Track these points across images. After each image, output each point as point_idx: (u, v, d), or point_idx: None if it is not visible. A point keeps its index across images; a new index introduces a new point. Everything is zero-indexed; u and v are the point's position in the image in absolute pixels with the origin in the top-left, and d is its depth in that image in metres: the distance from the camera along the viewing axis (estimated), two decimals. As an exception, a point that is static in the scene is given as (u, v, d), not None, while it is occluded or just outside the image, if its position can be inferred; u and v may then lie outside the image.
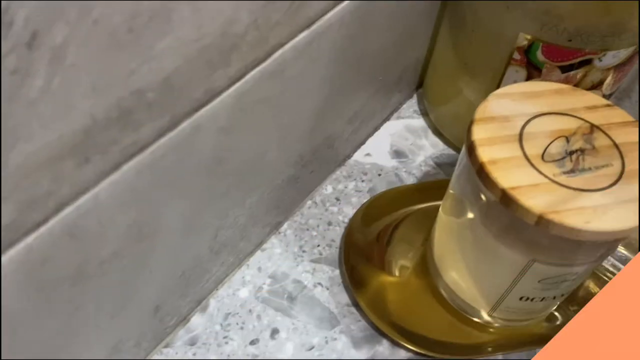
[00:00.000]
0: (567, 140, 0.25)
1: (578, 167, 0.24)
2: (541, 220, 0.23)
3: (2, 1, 0.13)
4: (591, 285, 0.34)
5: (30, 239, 0.18)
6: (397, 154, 0.39)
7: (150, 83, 0.18)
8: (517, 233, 0.25)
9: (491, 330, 0.32)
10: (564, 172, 0.24)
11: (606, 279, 0.34)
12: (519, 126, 0.26)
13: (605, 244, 0.25)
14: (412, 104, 0.42)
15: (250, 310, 0.30)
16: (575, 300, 0.34)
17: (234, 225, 0.29)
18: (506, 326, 0.31)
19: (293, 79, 0.25)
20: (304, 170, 0.33)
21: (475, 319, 0.31)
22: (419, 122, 0.40)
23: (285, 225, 0.34)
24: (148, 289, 0.25)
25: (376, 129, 0.40)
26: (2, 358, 0.23)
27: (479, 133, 0.25)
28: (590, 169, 0.24)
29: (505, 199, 0.24)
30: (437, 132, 0.40)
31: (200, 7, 0.18)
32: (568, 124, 0.26)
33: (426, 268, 0.33)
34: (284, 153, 0.29)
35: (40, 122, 0.16)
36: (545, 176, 0.24)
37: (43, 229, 0.18)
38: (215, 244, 0.28)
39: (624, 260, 0.33)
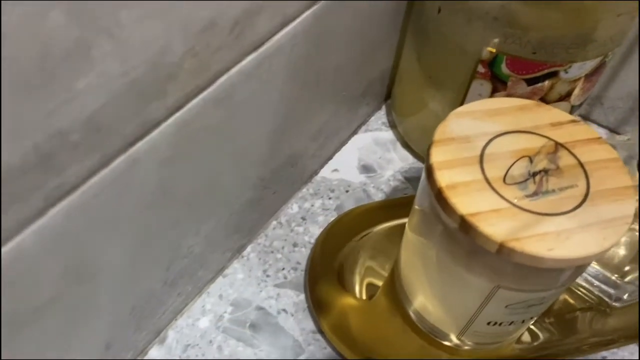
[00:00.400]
0: (531, 160, 0.24)
1: (541, 190, 0.23)
2: (502, 249, 0.22)
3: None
4: (567, 297, 0.33)
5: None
6: (365, 168, 0.37)
7: (72, 123, 0.17)
8: (480, 259, 0.24)
9: (462, 353, 0.31)
10: (527, 196, 0.23)
11: (579, 293, 0.33)
12: (479, 147, 0.25)
13: (574, 268, 0.24)
14: (381, 116, 0.41)
15: (210, 341, 0.29)
16: (551, 313, 0.33)
17: (188, 255, 0.27)
18: (477, 349, 0.30)
19: (243, 103, 0.24)
20: (266, 192, 0.31)
21: (446, 343, 0.30)
22: (388, 134, 0.39)
23: (248, 249, 0.33)
24: (96, 327, 0.24)
25: (343, 143, 0.38)
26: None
27: (437, 155, 0.24)
28: (554, 190, 0.24)
29: (465, 226, 0.22)
30: (406, 145, 0.38)
31: (124, 40, 0.17)
32: (531, 142, 0.25)
33: (395, 290, 0.32)
34: (240, 177, 0.28)
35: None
36: (507, 200, 0.23)
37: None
38: (168, 275, 0.27)
39: (598, 277, 0.32)
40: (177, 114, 0.21)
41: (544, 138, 0.25)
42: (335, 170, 0.37)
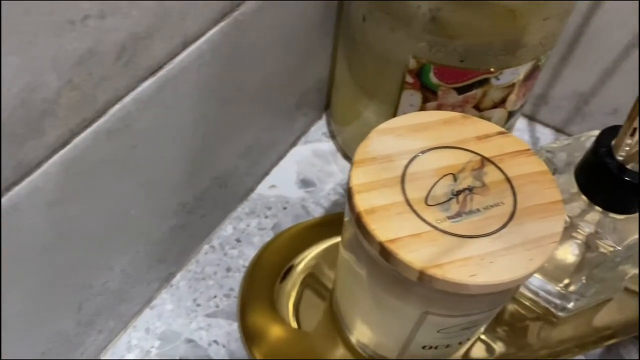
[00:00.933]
0: (455, 178, 0.23)
1: (465, 210, 0.22)
2: (423, 276, 0.21)
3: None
4: (516, 307, 0.33)
5: None
6: (305, 183, 0.36)
7: None
8: (405, 286, 0.23)
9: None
10: (449, 217, 0.22)
11: (527, 304, 0.32)
12: (402, 166, 0.23)
13: (502, 292, 0.22)
14: (321, 126, 0.39)
15: (136, 380, 0.28)
16: (503, 322, 0.32)
17: (103, 292, 0.26)
18: (420, 370, 0.29)
19: (146, 131, 0.23)
20: (192, 217, 0.30)
21: (387, 366, 0.29)
22: (328, 145, 0.38)
23: (177, 277, 0.31)
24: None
25: (281, 156, 0.37)
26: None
27: (357, 178, 0.23)
28: (478, 210, 0.22)
29: (385, 253, 0.21)
30: (346, 156, 0.37)
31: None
32: (457, 158, 0.24)
33: (334, 313, 0.31)
34: (155, 207, 0.26)
35: None
36: (428, 223, 0.22)
37: None
38: (81, 315, 0.25)
39: (543, 288, 0.31)
40: (62, 152, 0.19)
41: (470, 153, 0.24)
42: (273, 186, 0.36)
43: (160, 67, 0.22)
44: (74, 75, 0.18)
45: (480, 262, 0.21)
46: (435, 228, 0.22)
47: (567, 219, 0.28)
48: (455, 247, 0.21)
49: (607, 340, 0.31)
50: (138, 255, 0.27)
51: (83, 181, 0.21)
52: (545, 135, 0.40)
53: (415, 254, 0.21)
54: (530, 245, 0.21)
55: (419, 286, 0.22)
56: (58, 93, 0.18)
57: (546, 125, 0.40)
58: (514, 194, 0.23)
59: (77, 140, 0.20)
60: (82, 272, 0.24)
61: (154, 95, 0.22)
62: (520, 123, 0.40)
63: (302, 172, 0.36)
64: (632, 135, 0.25)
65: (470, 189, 0.23)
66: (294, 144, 0.38)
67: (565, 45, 0.36)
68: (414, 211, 0.22)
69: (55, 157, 0.19)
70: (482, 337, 0.31)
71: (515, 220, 0.22)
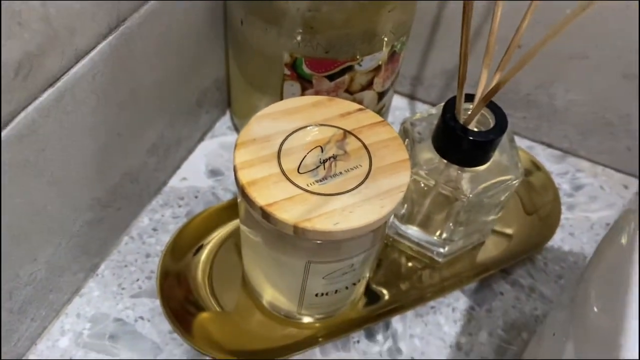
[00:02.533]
0: (322, 149, 0.28)
1: (330, 174, 0.27)
2: (297, 229, 0.25)
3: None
4: (403, 259, 0.38)
5: None
6: (213, 172, 0.40)
7: None
8: (286, 242, 0.27)
9: (315, 325, 0.34)
10: (317, 181, 0.27)
11: (413, 254, 0.38)
12: (277, 144, 0.28)
13: (362, 236, 0.27)
14: (226, 121, 0.43)
15: (71, 359, 0.31)
16: (397, 272, 0.37)
17: (32, 282, 0.29)
18: (323, 319, 0.34)
19: (51, 135, 0.26)
20: (108, 210, 0.33)
21: (296, 321, 0.34)
22: (233, 137, 0.42)
23: (102, 266, 0.35)
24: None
25: (191, 151, 0.41)
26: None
27: (240, 157, 0.27)
28: (341, 173, 0.27)
29: (265, 215, 0.26)
30: (250, 145, 0.41)
31: None
32: (323, 134, 0.28)
33: (244, 281, 0.35)
34: (68, 203, 0.29)
35: None
36: (300, 187, 0.26)
37: None
38: (13, 304, 0.28)
39: (422, 239, 0.37)
40: (-25, 157, 0.23)
41: (334, 128, 0.29)
42: (184, 178, 0.39)
43: (57, 79, 0.25)
44: (-23, 91, 0.21)
45: (342, 213, 0.26)
46: (306, 191, 0.26)
47: (432, 180, 0.33)
48: (322, 204, 0.26)
49: (482, 274, 0.37)
50: (60, 248, 0.30)
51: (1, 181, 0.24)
52: (426, 110, 0.45)
53: (290, 213, 0.25)
54: (382, 196, 0.26)
55: (297, 239, 0.27)
56: (-35, 107, 0.21)
57: (424, 102, 0.46)
58: (370, 158, 0.28)
59: (-12, 146, 0.23)
60: (8, 262, 0.27)
61: (54, 104, 0.25)
62: (402, 102, 0.45)
63: (211, 163, 0.40)
64: (466, 101, 0.31)
65: (334, 157, 0.28)
66: (201, 139, 0.42)
67: (429, 29, 0.41)
68: (288, 179, 0.27)
69: (-30, 163, 0.22)
70: (377, 287, 0.36)
71: (371, 178, 0.27)
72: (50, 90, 0.25)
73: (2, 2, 0.21)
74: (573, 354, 0.23)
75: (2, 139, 0.23)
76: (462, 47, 0.28)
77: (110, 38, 0.27)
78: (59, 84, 0.25)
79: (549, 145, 0.44)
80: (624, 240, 0.22)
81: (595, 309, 0.22)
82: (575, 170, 0.43)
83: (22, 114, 0.24)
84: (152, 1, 0.29)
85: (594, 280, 0.23)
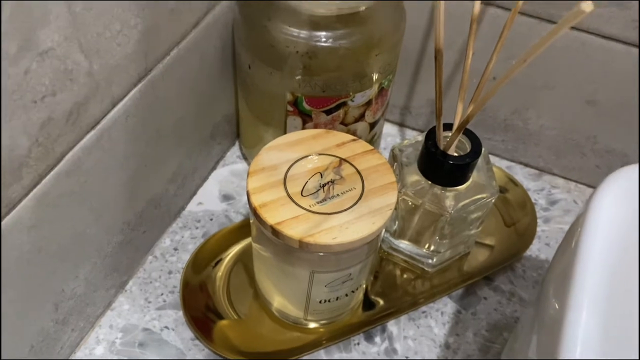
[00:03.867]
0: (321, 175, 0.33)
1: (329, 196, 0.32)
2: (302, 244, 0.30)
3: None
4: (397, 270, 0.42)
5: None
6: (225, 197, 0.45)
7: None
8: (294, 255, 0.32)
9: (320, 330, 0.39)
10: (318, 202, 0.31)
11: (406, 265, 0.42)
12: (283, 171, 0.33)
13: (357, 249, 0.32)
14: (235, 151, 0.48)
15: (106, 364, 0.35)
16: (392, 282, 0.41)
17: (73, 297, 0.33)
18: (326, 324, 0.38)
19: (92, 169, 0.31)
20: (135, 233, 0.38)
21: (302, 326, 0.38)
22: (242, 165, 0.47)
23: (130, 283, 0.39)
24: (0, 369, 0.30)
25: (205, 179, 0.45)
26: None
27: (252, 183, 0.32)
28: (338, 195, 0.32)
29: (275, 232, 0.30)
30: (257, 172, 0.46)
31: (-24, 148, 0.23)
32: (322, 162, 0.33)
33: (256, 293, 0.39)
34: (104, 227, 0.34)
35: None
36: (303, 208, 0.31)
37: None
38: (58, 316, 0.33)
39: (414, 252, 0.41)
40: (34, 190, 0.27)
41: (331, 157, 0.34)
42: (200, 203, 0.44)
43: (97, 122, 0.30)
44: (38, 136, 0.26)
45: (340, 229, 0.30)
46: (308, 211, 0.31)
47: (419, 200, 0.37)
48: (323, 221, 0.31)
49: (467, 281, 0.41)
50: (96, 267, 0.35)
51: (51, 210, 0.29)
52: (413, 137, 0.50)
53: (295, 230, 0.30)
54: (374, 214, 0.31)
55: (302, 252, 0.31)
56: (29, 150, 0.26)
57: (413, 129, 0.51)
58: (363, 181, 0.32)
59: (44, 181, 0.28)
60: (55, 279, 0.31)
61: (95, 143, 0.30)
62: (393, 129, 0.50)
63: (223, 189, 0.45)
64: (445, 129, 0.36)
65: (332, 182, 0.32)
66: (214, 167, 0.46)
67: (414, 65, 0.46)
68: (293, 201, 0.31)
69: (30, 195, 0.27)
70: (375, 295, 0.41)
71: (363, 198, 0.32)
72: (92, 132, 0.30)
73: (57, 62, 0.26)
74: (535, 346, 0.27)
75: (54, 174, 0.28)
76: (437, 88, 0.33)
77: (139, 85, 0.32)
78: (99, 126, 0.30)
79: (526, 165, 0.49)
80: (573, 244, 0.27)
81: (556, 306, 0.27)
82: (550, 186, 0.47)
83: (70, 153, 0.29)
84: (173, 52, 0.34)
85: (552, 280, 0.28)
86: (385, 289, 0.41)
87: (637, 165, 0.29)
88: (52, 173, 0.28)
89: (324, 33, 0.35)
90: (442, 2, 0.28)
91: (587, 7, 0.19)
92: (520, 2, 0.33)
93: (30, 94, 0.25)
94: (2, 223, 0.26)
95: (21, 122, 0.25)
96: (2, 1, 0.16)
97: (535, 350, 0.27)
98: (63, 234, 0.31)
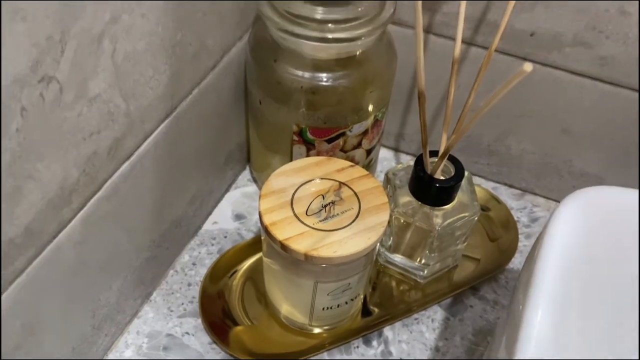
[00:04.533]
0: (323, 197, 0.38)
1: (330, 215, 0.37)
2: (307, 257, 0.35)
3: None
4: (393, 282, 0.47)
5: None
6: (238, 217, 0.50)
7: (15, 234, 0.28)
8: (300, 266, 0.37)
9: (323, 335, 0.43)
10: (320, 220, 0.36)
11: (400, 277, 0.47)
12: (290, 194, 0.38)
13: (356, 260, 0.37)
14: (246, 174, 0.53)
15: (135, 365, 0.40)
16: (388, 292, 0.46)
17: (107, 305, 0.38)
18: (330, 329, 0.43)
19: (126, 194, 0.36)
20: (160, 249, 0.43)
21: (306, 330, 0.43)
22: (252, 188, 0.52)
23: (154, 294, 0.44)
24: (47, 367, 0.34)
25: (219, 200, 0.51)
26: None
27: (263, 205, 0.37)
28: (338, 214, 0.37)
29: (283, 247, 0.35)
30: (266, 194, 0.51)
31: (39, 179, 0.28)
32: (324, 185, 0.38)
33: (266, 302, 0.44)
34: (134, 244, 0.39)
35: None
36: (308, 226, 0.36)
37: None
38: (95, 321, 0.38)
39: (407, 265, 0.46)
40: (81, 212, 0.32)
41: (332, 181, 0.39)
42: (215, 222, 0.49)
43: (131, 154, 0.35)
44: (85, 167, 0.31)
45: (340, 243, 0.35)
46: (312, 228, 0.36)
47: (410, 218, 0.42)
48: (325, 237, 0.35)
49: (455, 291, 0.46)
50: (126, 279, 0.40)
51: (93, 229, 0.34)
52: (406, 161, 0.55)
53: (301, 245, 0.35)
54: (369, 231, 0.36)
55: (307, 264, 0.36)
56: (78, 179, 0.31)
57: (407, 153, 0.56)
58: (359, 202, 0.37)
59: (89, 204, 0.33)
60: (94, 289, 0.36)
61: (129, 172, 0.35)
62: (389, 154, 0.55)
63: (236, 209, 0.50)
64: (432, 156, 0.41)
65: (333, 202, 0.37)
66: (227, 190, 0.51)
67: (406, 97, 0.52)
68: (299, 220, 0.36)
69: (78, 216, 0.32)
70: (372, 304, 0.45)
71: (360, 217, 0.36)
72: (127, 162, 0.35)
73: (102, 106, 0.31)
74: (504, 344, 0.32)
75: (96, 199, 0.33)
76: (421, 123, 0.38)
77: (166, 121, 0.37)
78: (132, 157, 0.35)
79: (510, 186, 0.54)
80: (535, 253, 0.31)
81: (520, 307, 0.31)
82: (532, 205, 0.52)
83: (109, 181, 0.34)
84: (194, 91, 0.40)
85: (519, 285, 0.33)
86: (381, 298, 0.46)
87: (593, 187, 0.34)
88: (94, 198, 0.33)
89: (324, 74, 0.40)
90: (421, 54, 0.33)
91: (528, 67, 0.24)
92: (493, 48, 0.38)
93: (81, 133, 0.30)
94: (55, 240, 0.31)
95: (73, 156, 0.30)
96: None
97: (504, 347, 0.32)
98: (102, 250, 0.35)
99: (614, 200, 0.33)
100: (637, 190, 0.33)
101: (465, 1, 0.37)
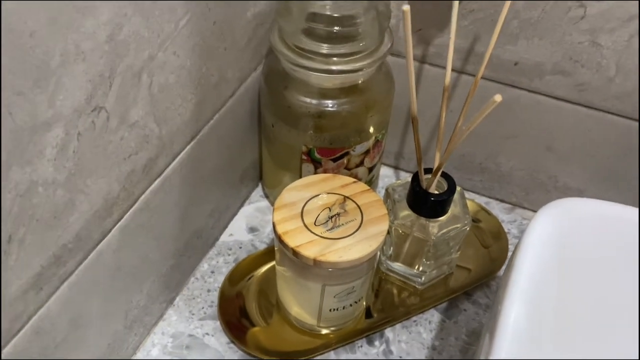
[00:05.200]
0: (329, 209, 0.42)
1: (336, 225, 0.41)
2: (316, 262, 0.39)
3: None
4: (393, 288, 0.51)
5: (11, 343, 0.31)
6: (252, 229, 0.54)
7: (68, 239, 0.33)
8: (309, 271, 0.41)
9: (330, 335, 0.47)
10: (327, 230, 0.41)
11: (399, 283, 0.51)
12: (301, 207, 0.42)
13: (359, 265, 0.41)
14: (258, 191, 0.58)
15: (161, 362, 0.45)
16: (389, 299, 0.50)
17: (137, 307, 0.43)
18: (336, 330, 0.47)
19: (157, 207, 0.41)
20: (183, 258, 0.47)
21: (314, 331, 0.47)
22: (265, 203, 0.57)
23: (177, 299, 0.48)
24: (86, 357, 0.39)
25: (234, 214, 0.55)
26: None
27: (277, 216, 0.42)
28: (343, 224, 0.41)
29: (295, 253, 0.40)
30: (277, 209, 0.56)
31: (89, 193, 0.33)
32: (330, 199, 0.43)
33: (278, 306, 0.48)
34: (162, 252, 0.44)
35: (15, 274, 0.30)
36: (316, 235, 0.40)
37: (16, 339, 0.32)
38: (127, 321, 0.42)
39: (406, 272, 0.50)
40: (120, 223, 0.37)
41: (337, 195, 0.43)
42: (231, 234, 0.54)
43: (162, 172, 0.40)
44: (125, 184, 0.36)
45: (344, 250, 0.40)
46: (320, 237, 0.40)
47: (409, 229, 0.47)
48: (331, 244, 0.40)
49: (450, 296, 0.50)
50: (154, 284, 0.44)
51: (128, 238, 0.39)
52: (404, 178, 0.60)
53: (310, 251, 0.39)
54: (370, 239, 0.40)
55: (315, 269, 0.40)
56: (118, 194, 0.36)
57: (406, 171, 0.60)
58: (362, 214, 0.42)
59: (126, 215, 0.38)
60: (127, 292, 0.41)
61: (160, 188, 0.40)
62: (389, 171, 0.60)
63: (249, 223, 0.55)
64: (427, 173, 0.45)
65: (338, 214, 0.42)
66: (242, 205, 0.56)
67: (405, 119, 0.57)
68: (309, 229, 0.41)
69: (116, 226, 0.37)
70: (375, 308, 0.49)
71: (362, 227, 0.41)
72: (158, 179, 0.40)
73: (139, 130, 0.36)
74: (487, 339, 0.36)
75: (132, 211, 0.38)
76: (416, 144, 0.43)
77: (192, 143, 0.42)
78: (163, 174, 0.40)
79: (501, 201, 0.58)
80: (514, 257, 0.36)
81: (499, 307, 0.36)
82: (522, 218, 0.57)
83: (143, 195, 0.39)
84: (215, 116, 0.45)
85: (501, 286, 0.37)
86: (383, 302, 0.50)
87: (567, 198, 0.38)
88: (130, 210, 0.38)
89: (330, 101, 0.45)
90: (413, 85, 0.38)
91: (498, 98, 0.29)
92: (479, 76, 0.43)
93: (122, 154, 0.35)
94: (98, 246, 0.36)
95: (115, 174, 0.35)
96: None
97: (487, 341, 0.36)
98: (135, 256, 0.40)
99: (585, 210, 0.38)
100: (605, 201, 0.38)
101: (453, 37, 0.42)
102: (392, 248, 0.50)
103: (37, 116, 0.28)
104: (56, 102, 0.29)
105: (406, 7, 0.31)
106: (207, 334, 0.47)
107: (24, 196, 0.29)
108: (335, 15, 0.42)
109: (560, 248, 0.36)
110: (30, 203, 0.29)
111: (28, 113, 0.27)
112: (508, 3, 0.41)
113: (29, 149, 0.28)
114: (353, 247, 0.40)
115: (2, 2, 0.22)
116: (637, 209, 0.37)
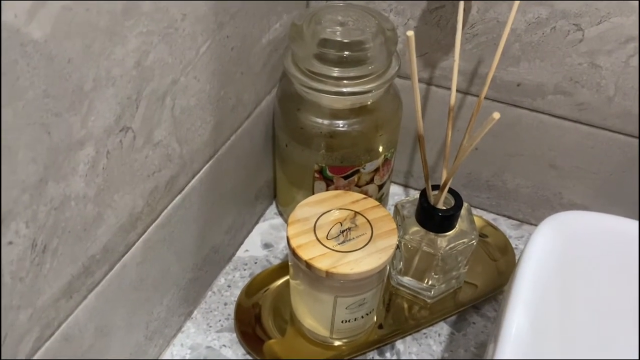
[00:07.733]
0: (341, 224, 0.44)
1: (347, 239, 0.43)
2: (328, 274, 0.41)
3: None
4: (404, 301, 0.53)
5: (43, 348, 0.34)
6: (266, 245, 0.56)
7: (96, 251, 0.35)
8: (321, 283, 0.43)
9: (342, 347, 0.49)
10: (339, 243, 0.43)
11: (409, 297, 0.52)
12: (313, 222, 0.44)
13: (369, 277, 0.43)
14: (272, 209, 0.60)
15: (180, 372, 0.46)
16: (400, 312, 0.52)
17: (158, 319, 0.45)
18: (348, 342, 0.49)
19: (177, 222, 0.43)
20: (201, 272, 0.49)
21: (327, 343, 0.49)
22: (279, 220, 0.59)
23: (195, 312, 0.50)
24: (110, 369, 0.41)
25: (249, 231, 0.57)
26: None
27: (291, 231, 0.44)
28: (354, 238, 0.43)
29: (308, 265, 0.42)
30: (291, 226, 0.58)
31: (115, 207, 0.35)
32: (341, 214, 0.45)
33: (292, 319, 0.50)
34: (181, 265, 0.46)
35: (47, 283, 0.32)
36: (329, 248, 0.42)
37: (47, 344, 0.34)
38: (148, 332, 0.44)
39: (416, 286, 0.52)
40: (143, 236, 0.39)
41: (348, 210, 0.45)
42: (246, 250, 0.56)
43: (182, 189, 0.43)
44: (148, 199, 0.39)
45: (355, 262, 0.41)
46: (332, 250, 0.42)
47: (417, 244, 0.49)
48: (343, 257, 0.42)
49: (459, 309, 0.51)
50: (173, 297, 0.46)
51: (150, 251, 0.41)
52: (412, 195, 0.61)
53: (323, 264, 0.41)
54: (380, 252, 0.42)
55: (328, 280, 0.42)
56: (142, 209, 0.38)
57: (415, 189, 0.62)
58: (371, 228, 0.44)
59: (149, 229, 0.40)
60: (148, 304, 0.43)
61: (180, 204, 0.43)
62: (399, 189, 0.62)
63: (264, 239, 0.57)
64: (434, 189, 0.47)
65: (349, 229, 0.44)
66: (256, 222, 0.58)
67: (413, 138, 0.59)
68: (321, 243, 0.43)
69: (140, 240, 0.39)
70: (386, 322, 0.51)
71: (372, 241, 0.43)
72: (179, 196, 0.42)
73: (163, 149, 0.38)
74: (492, 347, 0.37)
75: (154, 226, 0.40)
76: (423, 161, 0.45)
77: (210, 162, 0.45)
78: (183, 191, 0.43)
79: (509, 217, 0.60)
80: (517, 268, 0.37)
81: (502, 315, 0.37)
82: (529, 234, 0.58)
83: (165, 211, 0.41)
84: (232, 137, 0.47)
85: (504, 297, 0.39)
86: (394, 316, 0.51)
87: (568, 211, 0.40)
88: (153, 225, 0.40)
89: (341, 121, 0.48)
90: (418, 106, 0.41)
91: (496, 115, 0.31)
92: (482, 97, 0.45)
93: (147, 171, 0.38)
94: (123, 259, 0.38)
95: (140, 190, 0.38)
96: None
97: (492, 347, 0.37)
98: (156, 269, 0.42)
99: (586, 222, 0.40)
100: (605, 214, 0.40)
101: (457, 60, 0.45)
102: (402, 262, 0.51)
103: (71, 135, 0.30)
104: (88, 122, 0.31)
105: (410, 33, 0.33)
106: (224, 345, 0.48)
107: (58, 209, 0.31)
108: (346, 40, 0.45)
109: (562, 259, 0.37)
110: (63, 216, 0.32)
111: (64, 133, 0.30)
112: (508, 27, 0.43)
113: (64, 166, 0.31)
114: (363, 259, 0.42)
115: (48, 32, 0.25)
116: (636, 221, 0.39)
